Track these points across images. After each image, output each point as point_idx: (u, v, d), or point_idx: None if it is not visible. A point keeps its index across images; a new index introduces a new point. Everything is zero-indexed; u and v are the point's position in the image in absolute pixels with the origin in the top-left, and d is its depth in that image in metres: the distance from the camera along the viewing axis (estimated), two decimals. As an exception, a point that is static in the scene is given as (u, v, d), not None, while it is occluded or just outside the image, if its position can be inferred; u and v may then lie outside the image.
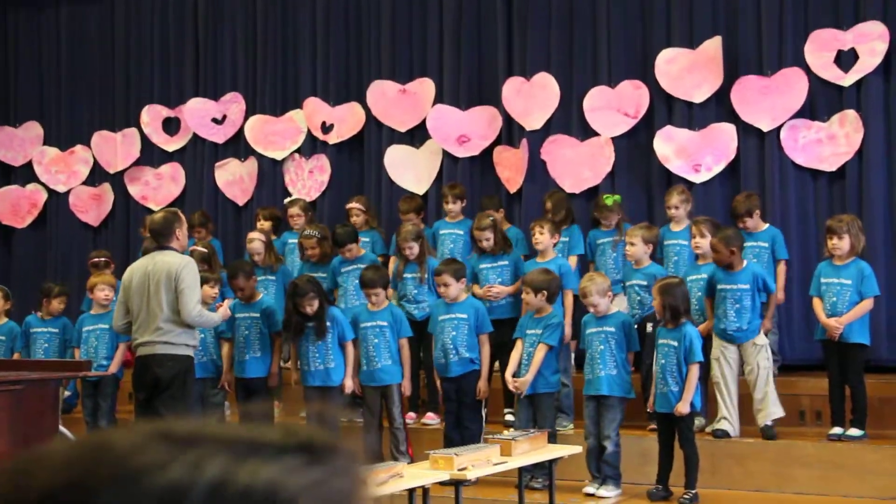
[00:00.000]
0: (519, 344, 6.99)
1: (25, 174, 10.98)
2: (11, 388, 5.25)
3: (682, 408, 6.39)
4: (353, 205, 8.71)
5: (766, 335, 7.09)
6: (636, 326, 7.01)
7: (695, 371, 6.43)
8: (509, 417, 7.55)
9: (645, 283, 7.25)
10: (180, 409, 6.40)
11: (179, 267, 6.55)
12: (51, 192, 10.83)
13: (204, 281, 7.25)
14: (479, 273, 7.73)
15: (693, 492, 6.43)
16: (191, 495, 0.64)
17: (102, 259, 9.04)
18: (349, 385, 7.38)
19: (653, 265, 7.42)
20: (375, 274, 7.40)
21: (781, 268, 7.46)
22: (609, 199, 7.96)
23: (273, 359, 7.65)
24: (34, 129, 10.98)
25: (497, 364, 7.52)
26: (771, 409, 6.91)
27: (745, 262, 7.06)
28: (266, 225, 8.92)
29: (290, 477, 0.65)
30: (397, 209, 8.73)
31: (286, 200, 9.28)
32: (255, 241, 8.49)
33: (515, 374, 6.93)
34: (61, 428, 6.34)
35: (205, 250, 8.29)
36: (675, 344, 6.46)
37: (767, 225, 7.57)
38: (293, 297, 7.31)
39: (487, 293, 7.54)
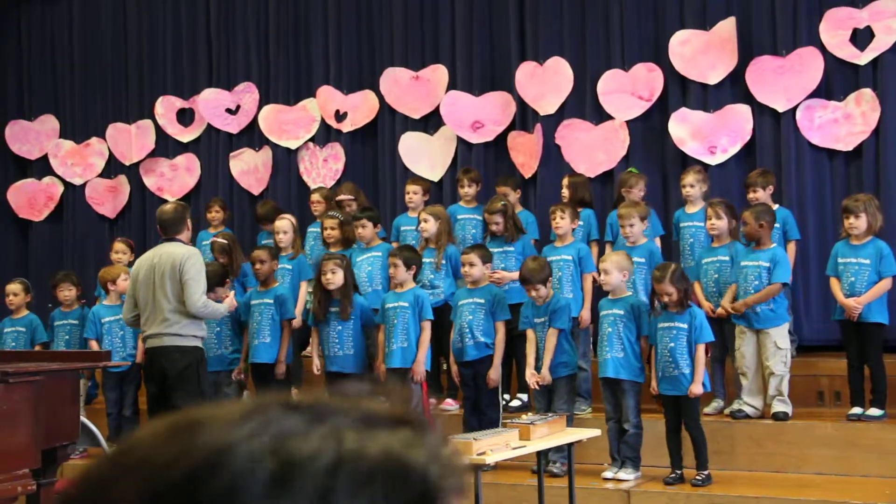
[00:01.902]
0: (530, 335, 6.93)
1: (41, 167, 11.03)
2: (31, 380, 5.28)
3: (696, 389, 6.36)
4: (343, 197, 8.59)
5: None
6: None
7: (702, 351, 6.41)
8: (516, 403, 7.54)
9: (643, 259, 7.21)
10: (197, 401, 6.39)
11: (184, 258, 6.54)
12: (67, 184, 10.87)
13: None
14: None
15: (705, 472, 6.40)
16: (326, 463, 0.67)
17: (122, 251, 9.00)
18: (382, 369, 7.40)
19: (649, 241, 7.39)
20: (409, 251, 7.37)
21: (792, 248, 7.43)
22: (633, 170, 7.93)
23: (281, 346, 7.64)
24: (49, 123, 11.03)
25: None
26: (777, 406, 6.87)
27: (773, 243, 7.02)
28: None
29: (413, 448, 0.70)
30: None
31: (312, 189, 9.26)
32: (285, 219, 8.38)
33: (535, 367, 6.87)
34: (83, 419, 6.37)
35: (225, 241, 8.26)
36: (685, 326, 6.43)
37: (778, 206, 7.53)
38: (318, 267, 7.32)
39: (491, 277, 7.49)
